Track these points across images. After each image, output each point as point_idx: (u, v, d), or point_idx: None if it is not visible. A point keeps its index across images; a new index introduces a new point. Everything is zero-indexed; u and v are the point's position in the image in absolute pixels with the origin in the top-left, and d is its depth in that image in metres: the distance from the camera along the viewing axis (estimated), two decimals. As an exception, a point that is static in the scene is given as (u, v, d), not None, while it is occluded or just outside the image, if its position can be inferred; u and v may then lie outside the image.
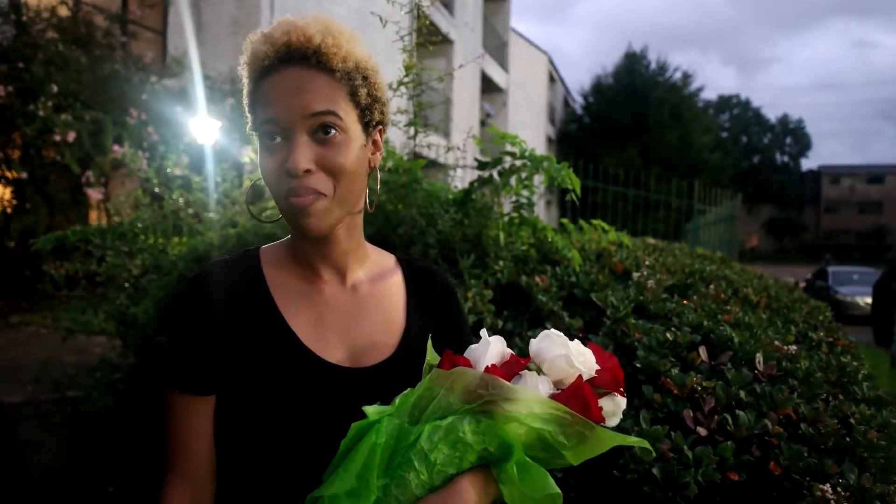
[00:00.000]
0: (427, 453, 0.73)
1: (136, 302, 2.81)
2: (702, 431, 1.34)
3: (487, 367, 0.79)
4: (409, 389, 0.81)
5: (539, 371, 0.79)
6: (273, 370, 0.86)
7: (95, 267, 3.19)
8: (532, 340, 0.83)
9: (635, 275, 2.16)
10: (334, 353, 0.89)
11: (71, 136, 7.08)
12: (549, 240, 2.23)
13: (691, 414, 1.38)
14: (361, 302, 0.94)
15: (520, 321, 1.95)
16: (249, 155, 3.38)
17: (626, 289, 2.02)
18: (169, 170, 3.63)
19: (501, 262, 2.12)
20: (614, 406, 0.81)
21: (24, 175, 7.23)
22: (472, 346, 0.84)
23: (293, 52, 0.83)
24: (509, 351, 0.84)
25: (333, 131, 0.83)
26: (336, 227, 0.87)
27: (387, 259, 1.03)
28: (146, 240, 3.13)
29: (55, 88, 7.11)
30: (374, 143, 0.92)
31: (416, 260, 1.06)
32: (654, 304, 1.91)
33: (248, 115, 0.90)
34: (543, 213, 22.37)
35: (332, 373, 0.87)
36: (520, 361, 0.81)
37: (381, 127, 0.93)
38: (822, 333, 2.14)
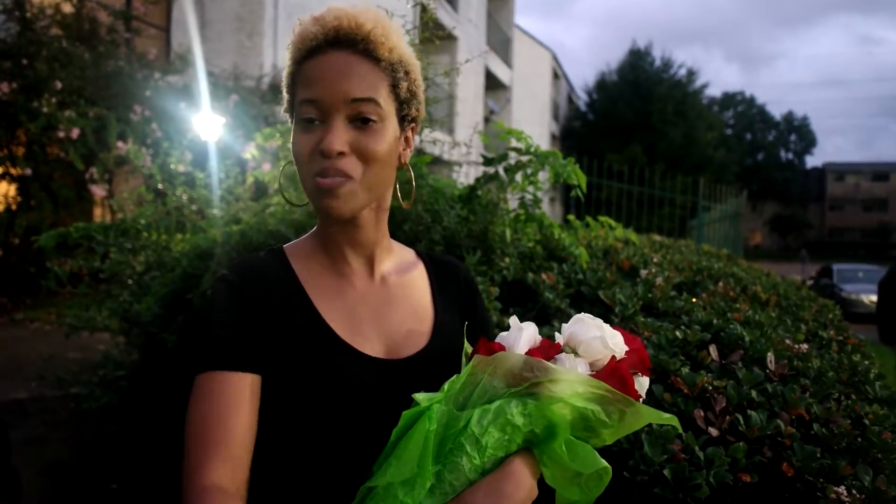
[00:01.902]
0: (478, 437, 0.73)
1: (140, 299, 2.80)
2: (713, 432, 1.32)
3: (527, 352, 0.80)
4: (455, 376, 0.81)
5: (575, 354, 0.81)
6: (313, 367, 0.84)
7: (99, 264, 3.18)
8: (564, 325, 0.84)
9: (643, 272, 2.14)
10: (371, 346, 0.89)
11: (75, 133, 7.08)
12: (556, 236, 2.21)
13: (702, 414, 1.36)
14: (391, 293, 0.95)
15: (526, 319, 1.93)
16: (252, 152, 3.36)
17: (635, 286, 2.00)
18: (172, 166, 3.62)
19: (507, 259, 2.10)
20: (639, 386, 0.82)
21: (29, 172, 7.24)
22: (503, 333, 0.85)
23: (342, 37, 0.84)
24: (540, 337, 0.85)
25: (372, 121, 0.84)
26: (361, 211, 0.88)
27: (407, 253, 1.04)
28: (149, 236, 3.12)
29: (59, 85, 7.11)
30: (406, 139, 0.93)
31: (434, 254, 1.07)
32: (662, 302, 1.89)
33: (286, 95, 0.91)
34: (548, 209, 22.31)
35: (372, 366, 0.87)
36: (554, 345, 0.83)
37: (414, 125, 0.94)
38: (832, 332, 2.12)
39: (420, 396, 0.78)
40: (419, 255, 1.05)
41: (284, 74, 0.90)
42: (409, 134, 0.94)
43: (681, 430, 1.01)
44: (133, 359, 3.28)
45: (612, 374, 0.78)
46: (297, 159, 0.85)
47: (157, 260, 2.99)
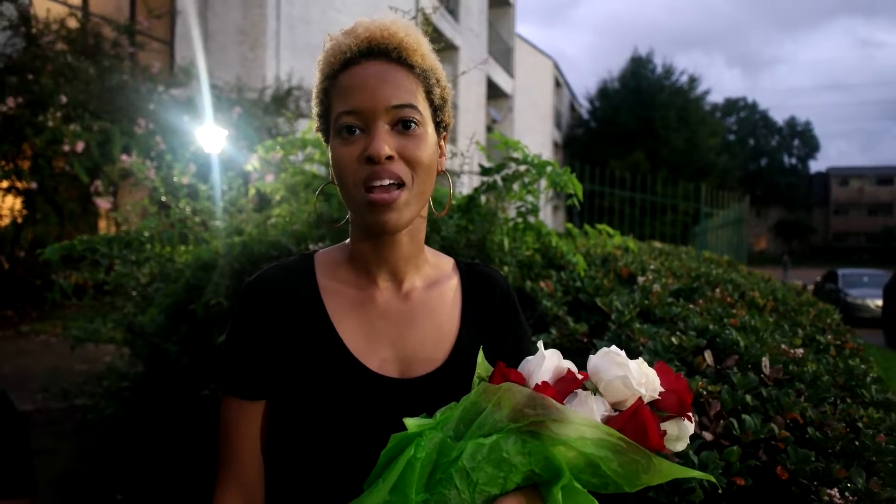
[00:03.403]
0: (469, 472, 0.70)
1: (144, 310, 2.83)
2: (707, 436, 1.33)
3: (538, 384, 0.75)
4: (452, 403, 0.79)
5: (595, 391, 0.75)
6: (320, 379, 0.85)
7: (103, 276, 3.21)
8: (591, 356, 0.78)
9: (641, 279, 2.16)
10: (383, 363, 0.87)
11: (80, 147, 7.16)
12: (554, 245, 2.23)
13: (697, 418, 1.37)
14: (414, 310, 0.92)
15: (525, 326, 1.94)
16: (255, 163, 3.39)
17: (632, 293, 2.01)
18: (175, 178, 3.65)
19: (506, 268, 2.12)
20: (679, 431, 0.76)
21: (34, 185, 7.31)
22: (528, 357, 0.81)
23: (374, 47, 0.84)
24: (566, 365, 0.80)
25: (413, 125, 0.83)
26: (411, 222, 0.86)
27: (445, 263, 1.00)
28: (153, 248, 3.15)
29: (64, 99, 7.18)
30: (440, 146, 0.92)
31: (475, 265, 1.03)
32: (659, 309, 1.90)
33: (317, 111, 0.90)
34: (551, 218, 22.34)
35: (379, 383, 0.86)
36: (576, 378, 0.77)
37: (445, 132, 0.94)
38: (829, 336, 2.13)
39: (410, 422, 0.75)
40: (457, 265, 1.01)
41: (315, 92, 0.90)
42: (443, 142, 0.93)
43: (720, 486, 0.96)
44: (137, 370, 3.31)
45: (631, 419, 0.71)
46: (341, 170, 0.83)
47: (161, 271, 3.02)
